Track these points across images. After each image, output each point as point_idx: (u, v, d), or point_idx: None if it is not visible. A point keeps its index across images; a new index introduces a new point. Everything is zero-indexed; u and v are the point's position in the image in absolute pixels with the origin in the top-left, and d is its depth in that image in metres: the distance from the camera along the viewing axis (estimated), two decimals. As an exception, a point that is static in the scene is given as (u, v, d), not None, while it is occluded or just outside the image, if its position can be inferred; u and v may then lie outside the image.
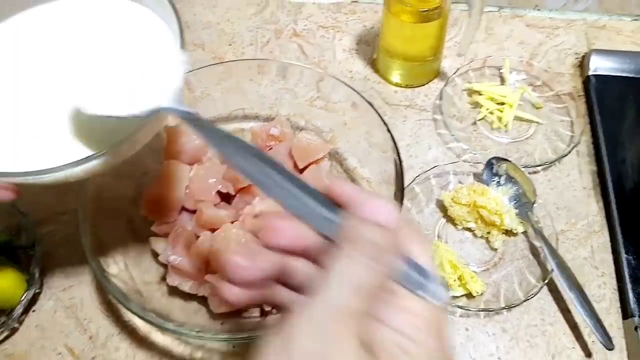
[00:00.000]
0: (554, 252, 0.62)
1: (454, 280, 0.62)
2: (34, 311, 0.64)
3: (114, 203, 0.67)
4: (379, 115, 0.65)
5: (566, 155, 0.72)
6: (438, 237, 0.67)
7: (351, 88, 0.68)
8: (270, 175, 0.32)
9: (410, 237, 0.31)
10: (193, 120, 0.38)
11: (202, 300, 0.62)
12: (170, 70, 0.46)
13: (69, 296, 0.65)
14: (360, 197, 0.31)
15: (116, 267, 0.62)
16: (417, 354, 0.27)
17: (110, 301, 0.64)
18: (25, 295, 0.62)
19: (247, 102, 0.76)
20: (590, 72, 0.80)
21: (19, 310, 0.61)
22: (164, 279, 0.62)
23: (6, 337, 0.62)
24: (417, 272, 0.29)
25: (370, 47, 0.85)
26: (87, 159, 0.44)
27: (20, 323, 0.63)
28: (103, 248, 0.62)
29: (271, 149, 0.68)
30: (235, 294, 0.32)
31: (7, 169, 0.45)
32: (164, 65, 0.47)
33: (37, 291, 0.65)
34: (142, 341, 0.62)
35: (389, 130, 0.64)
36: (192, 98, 0.75)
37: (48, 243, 0.68)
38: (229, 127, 0.76)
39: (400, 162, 0.61)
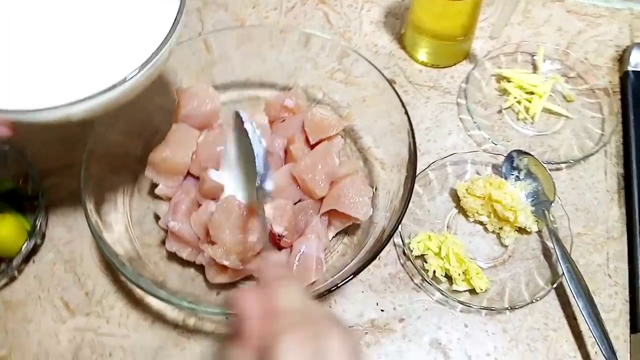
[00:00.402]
0: (566, 255, 0.60)
1: (459, 275, 0.60)
2: (33, 262, 0.64)
3: (122, 161, 0.66)
4: (398, 95, 0.62)
5: (593, 154, 0.69)
6: (447, 227, 0.65)
7: (372, 65, 0.65)
8: None
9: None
10: None
11: (200, 268, 0.61)
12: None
13: (70, 250, 0.65)
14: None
15: (117, 226, 0.62)
16: None
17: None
18: (25, 245, 0.62)
19: (265, 69, 0.74)
20: (630, 67, 0.75)
21: (18, 259, 0.62)
22: (164, 242, 0.61)
23: (5, 285, 0.63)
24: None
25: (399, 21, 0.82)
26: (85, 99, 0.44)
27: (20, 272, 0.64)
28: (106, 205, 0.62)
29: (284, 121, 0.66)
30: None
31: (5, 105, 0.45)
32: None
33: (38, 242, 0.65)
34: (137, 302, 0.62)
35: (406, 112, 0.61)
36: (209, 60, 0.72)
37: (54, 195, 0.67)
38: (244, 94, 0.73)
39: (415, 147, 0.59)
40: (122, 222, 0.63)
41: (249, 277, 0.60)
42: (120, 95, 0.48)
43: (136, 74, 0.46)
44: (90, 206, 0.57)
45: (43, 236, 0.66)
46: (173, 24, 0.49)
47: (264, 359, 0.31)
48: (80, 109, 0.46)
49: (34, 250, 0.64)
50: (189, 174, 0.62)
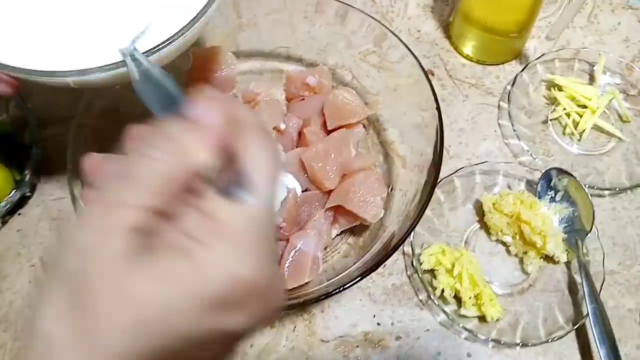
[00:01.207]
0: (594, 294, 0.53)
1: (469, 298, 0.53)
2: (19, 214, 0.61)
3: (128, 118, 0.61)
4: (431, 86, 0.55)
5: (643, 184, 0.61)
6: (465, 243, 0.59)
7: (409, 50, 0.58)
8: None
9: (250, 141, 0.27)
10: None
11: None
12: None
13: (58, 207, 0.61)
14: (194, 98, 0.28)
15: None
16: (202, 259, 0.24)
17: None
18: (11, 194, 0.58)
19: (294, 40, 0.68)
20: (701, 93, 0.66)
21: (3, 208, 0.58)
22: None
23: (-13, 233, 0.59)
24: (238, 177, 0.26)
25: (448, 8, 0.74)
26: (92, 69, 0.40)
27: (4, 223, 0.60)
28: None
29: (303, 99, 0.60)
30: None
31: (14, 62, 0.41)
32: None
33: (27, 194, 0.61)
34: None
35: (437, 107, 0.54)
36: (237, 24, 0.67)
37: (51, 146, 0.63)
38: (266, 65, 0.68)
39: (441, 148, 0.52)
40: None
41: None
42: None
43: (169, 43, 0.41)
44: (71, 169, 0.52)
45: (33, 188, 0.62)
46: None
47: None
48: (104, 77, 0.41)
49: (21, 202, 0.61)
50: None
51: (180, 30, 0.42)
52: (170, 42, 0.41)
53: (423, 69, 0.57)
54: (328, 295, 0.47)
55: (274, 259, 0.28)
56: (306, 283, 0.52)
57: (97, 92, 0.56)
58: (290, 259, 0.51)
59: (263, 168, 0.27)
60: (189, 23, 0.42)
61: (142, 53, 0.32)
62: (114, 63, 0.40)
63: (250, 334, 0.27)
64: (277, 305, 0.28)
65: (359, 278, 0.46)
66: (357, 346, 0.54)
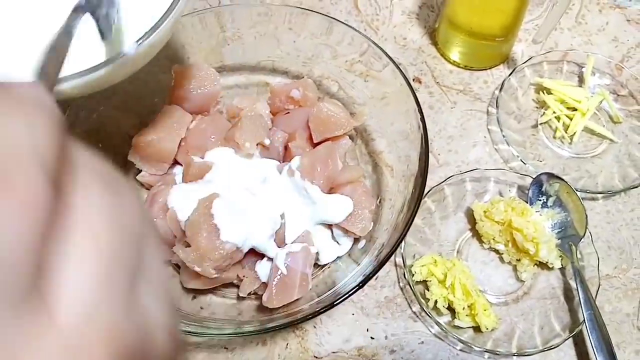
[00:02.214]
0: (590, 300, 0.52)
1: (463, 309, 0.52)
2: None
3: (114, 139, 0.60)
4: (414, 94, 0.55)
5: (636, 186, 0.60)
6: (458, 252, 0.58)
7: (391, 59, 0.58)
8: None
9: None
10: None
11: (179, 268, 0.55)
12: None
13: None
14: None
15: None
16: None
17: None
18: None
19: (279, 53, 0.67)
20: (692, 91, 0.66)
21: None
22: (143, 234, 0.56)
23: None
24: None
25: (433, 14, 0.74)
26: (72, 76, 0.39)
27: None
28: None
29: (288, 113, 0.59)
30: None
31: None
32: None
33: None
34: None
35: (421, 116, 0.53)
36: (221, 38, 0.66)
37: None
38: (252, 79, 0.67)
39: (427, 156, 0.51)
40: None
41: (229, 285, 0.54)
42: (113, 73, 0.42)
43: (132, 50, 0.40)
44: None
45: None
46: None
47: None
48: (67, 87, 0.41)
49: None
50: (175, 162, 0.56)
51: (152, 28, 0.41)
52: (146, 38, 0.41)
53: (405, 77, 0.56)
54: (317, 313, 0.46)
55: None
56: (297, 300, 0.51)
57: (78, 113, 0.55)
58: (279, 276, 0.50)
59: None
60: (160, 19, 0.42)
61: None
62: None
63: None
64: None
65: (349, 294, 0.46)
66: (351, 362, 0.53)
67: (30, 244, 0.15)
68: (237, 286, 0.54)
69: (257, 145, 0.54)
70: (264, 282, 0.52)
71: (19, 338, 0.15)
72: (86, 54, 0.41)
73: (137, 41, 0.42)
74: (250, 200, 0.50)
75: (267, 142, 0.55)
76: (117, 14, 0.41)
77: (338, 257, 0.54)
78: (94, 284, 0.17)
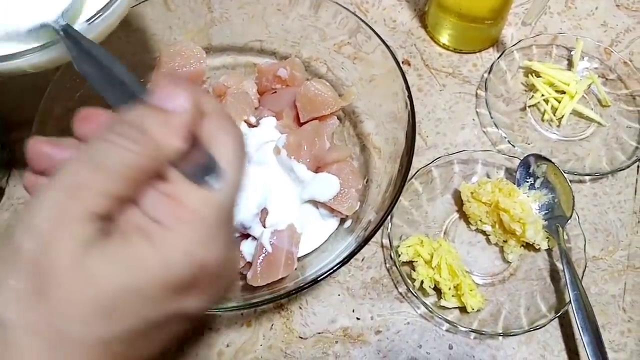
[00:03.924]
0: (576, 281, 0.52)
1: (449, 289, 0.52)
2: (-13, 219, 0.59)
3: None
4: (403, 75, 0.54)
5: (623, 169, 0.60)
6: (445, 233, 0.58)
7: (382, 41, 0.57)
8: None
9: (215, 128, 0.27)
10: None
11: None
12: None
13: (27, 210, 0.59)
14: (160, 84, 0.27)
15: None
16: (164, 241, 0.24)
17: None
18: (-21, 199, 0.56)
19: (268, 34, 0.66)
20: (681, 75, 0.66)
21: (-30, 214, 0.56)
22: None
23: (-46, 240, 0.58)
24: (205, 162, 0.26)
25: (423, -3, 0.73)
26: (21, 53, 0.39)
27: (-28, 228, 0.58)
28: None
29: (275, 92, 0.58)
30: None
31: None
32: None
33: (-5, 198, 0.59)
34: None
35: (409, 96, 0.53)
36: (209, 19, 0.66)
37: (18, 149, 0.62)
38: (239, 60, 0.66)
39: (413, 136, 0.51)
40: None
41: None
42: (59, 54, 0.41)
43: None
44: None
45: (1, 192, 0.60)
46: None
47: None
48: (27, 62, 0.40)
49: (-11, 206, 0.59)
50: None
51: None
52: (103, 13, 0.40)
53: (396, 58, 0.56)
54: (301, 289, 0.45)
55: (232, 242, 0.27)
56: (282, 279, 0.50)
57: (60, 92, 0.54)
58: (264, 254, 0.49)
59: (230, 155, 0.26)
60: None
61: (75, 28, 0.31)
62: (42, 45, 0.39)
63: (203, 312, 0.27)
64: (230, 285, 0.29)
65: (332, 270, 0.45)
66: (337, 342, 0.53)
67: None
68: (222, 266, 0.53)
69: (243, 121, 0.53)
70: (249, 262, 0.52)
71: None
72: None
73: (88, 21, 0.41)
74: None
75: (252, 119, 0.54)
76: None
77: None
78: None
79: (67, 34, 0.36)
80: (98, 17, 0.41)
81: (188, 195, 0.25)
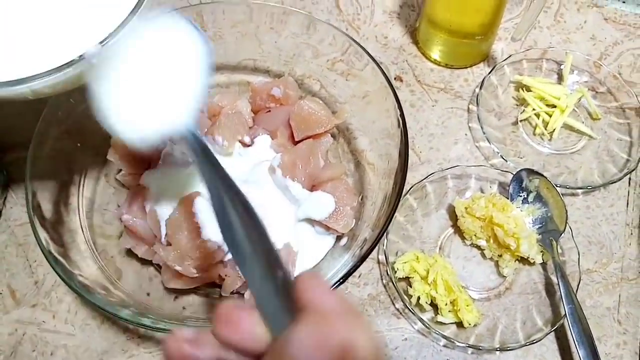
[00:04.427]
0: (571, 295, 0.52)
1: (445, 305, 0.53)
2: (-16, 241, 0.59)
3: (93, 139, 0.60)
4: (394, 92, 0.55)
5: (615, 181, 0.60)
6: (440, 248, 0.58)
7: (371, 58, 0.58)
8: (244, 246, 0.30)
9: (353, 324, 0.26)
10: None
11: (160, 268, 0.55)
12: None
13: (24, 233, 0.59)
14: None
15: (78, 212, 0.56)
16: None
17: (64, 247, 0.58)
18: (-25, 222, 0.56)
19: (261, 52, 0.67)
20: (669, 87, 0.67)
21: (-33, 237, 0.56)
22: (124, 235, 0.56)
23: (-50, 263, 0.58)
24: None
25: (414, 13, 0.74)
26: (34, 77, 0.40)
27: (-32, 250, 0.58)
28: (70, 186, 0.56)
29: (269, 111, 0.59)
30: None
31: None
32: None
33: (-9, 220, 0.59)
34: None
35: (401, 114, 0.53)
36: (202, 38, 0.66)
37: (14, 171, 0.62)
38: (233, 78, 0.67)
39: (406, 153, 0.52)
40: (85, 206, 0.57)
41: (211, 284, 0.54)
42: (81, 73, 0.42)
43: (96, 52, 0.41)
44: (32, 189, 0.50)
45: (-1, 214, 0.60)
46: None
47: None
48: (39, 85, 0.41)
49: (-14, 229, 0.59)
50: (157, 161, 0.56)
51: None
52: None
53: (386, 76, 0.57)
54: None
55: None
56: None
57: (56, 114, 0.54)
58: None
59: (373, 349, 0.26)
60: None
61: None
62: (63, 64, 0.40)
63: None
64: None
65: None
66: None
67: None
68: (220, 285, 0.53)
69: (237, 142, 0.53)
70: (246, 281, 0.52)
71: None
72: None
73: (101, 42, 0.42)
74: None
75: (246, 139, 0.54)
76: None
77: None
78: None
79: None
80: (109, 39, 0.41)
81: None
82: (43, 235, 0.48)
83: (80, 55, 0.41)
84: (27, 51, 0.44)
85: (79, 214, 0.55)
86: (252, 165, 0.54)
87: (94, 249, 0.54)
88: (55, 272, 0.47)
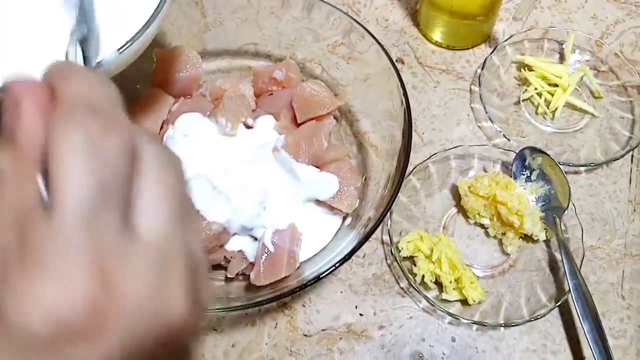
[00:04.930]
0: (575, 270, 0.53)
1: (450, 282, 0.53)
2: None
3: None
4: (398, 73, 0.55)
5: (618, 158, 0.61)
6: (444, 228, 0.58)
7: (375, 40, 0.58)
8: None
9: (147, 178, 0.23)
10: None
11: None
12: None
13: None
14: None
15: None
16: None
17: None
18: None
19: (262, 37, 0.67)
20: (671, 65, 0.67)
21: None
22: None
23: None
24: None
25: (415, -5, 0.74)
26: None
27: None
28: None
29: (272, 94, 0.59)
30: None
31: None
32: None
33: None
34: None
35: (404, 94, 0.54)
36: (202, 24, 0.66)
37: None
38: (234, 63, 0.67)
39: (410, 133, 0.52)
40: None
41: (217, 267, 0.54)
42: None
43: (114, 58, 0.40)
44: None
45: None
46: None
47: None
48: None
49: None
50: (159, 145, 0.56)
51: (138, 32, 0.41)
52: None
53: (389, 57, 0.57)
54: (304, 286, 0.46)
55: None
56: (284, 278, 0.51)
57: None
58: (266, 254, 0.50)
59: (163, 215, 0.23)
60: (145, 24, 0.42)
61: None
62: None
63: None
64: None
65: (335, 267, 0.46)
66: (341, 338, 0.53)
67: (125, 173, 0.21)
68: (225, 268, 0.54)
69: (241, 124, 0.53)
70: (251, 262, 0.52)
71: (117, 252, 0.20)
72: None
73: (119, 50, 0.41)
74: (231, 180, 0.50)
75: (250, 121, 0.55)
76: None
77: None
78: (168, 215, 0.22)
79: None
80: (127, 46, 0.41)
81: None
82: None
83: (98, 62, 0.40)
84: (39, 55, 0.44)
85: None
86: (256, 147, 0.54)
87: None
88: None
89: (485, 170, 0.61)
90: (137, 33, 0.41)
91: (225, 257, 0.53)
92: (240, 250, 0.52)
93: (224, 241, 0.52)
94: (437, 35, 0.70)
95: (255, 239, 0.52)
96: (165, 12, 0.45)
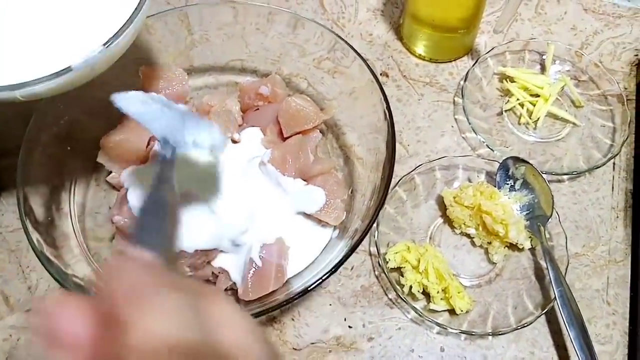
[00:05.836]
0: (560, 278, 0.53)
1: (437, 292, 0.53)
2: (-23, 248, 0.59)
3: (83, 144, 0.60)
4: (380, 86, 0.56)
5: (600, 166, 0.62)
6: (430, 238, 0.59)
7: (357, 54, 0.59)
8: None
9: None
10: None
11: (154, 267, 0.55)
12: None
13: (17, 239, 0.60)
14: None
15: (69, 216, 0.56)
16: None
17: (57, 251, 0.58)
18: (-33, 229, 0.57)
19: (248, 53, 0.68)
20: (649, 74, 0.68)
21: (-40, 244, 0.56)
22: (117, 237, 0.56)
23: (-56, 271, 0.58)
24: None
25: (398, 10, 0.75)
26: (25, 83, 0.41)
27: (-39, 258, 0.59)
28: (61, 190, 0.57)
29: (258, 109, 0.60)
30: None
31: None
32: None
33: (-16, 227, 0.60)
34: (83, 300, 0.56)
35: (387, 107, 0.54)
36: (189, 41, 0.67)
37: (6, 178, 0.62)
38: (221, 79, 0.68)
39: (393, 145, 0.52)
40: (77, 209, 0.57)
41: (205, 282, 0.54)
42: (74, 79, 0.44)
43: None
44: (23, 193, 0.51)
45: (-10, 221, 0.60)
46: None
47: None
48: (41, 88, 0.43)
49: (-22, 236, 0.59)
50: (144, 162, 0.57)
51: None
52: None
53: (373, 71, 0.57)
54: (292, 300, 0.46)
55: None
56: (272, 292, 0.51)
57: (45, 119, 0.55)
58: (254, 269, 0.50)
59: None
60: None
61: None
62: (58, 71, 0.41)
63: None
64: None
65: (322, 280, 0.46)
66: (330, 351, 0.53)
67: None
68: (213, 283, 0.54)
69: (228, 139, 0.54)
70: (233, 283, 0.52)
71: None
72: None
73: (105, 44, 0.42)
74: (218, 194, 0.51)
75: (237, 137, 0.55)
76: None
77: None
78: None
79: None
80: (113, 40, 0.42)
81: None
82: (35, 236, 0.48)
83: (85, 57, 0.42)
84: (28, 54, 0.45)
85: (70, 218, 0.55)
86: (243, 161, 0.54)
87: (87, 252, 0.55)
88: (49, 273, 0.47)
89: (470, 181, 0.62)
90: (121, 27, 0.43)
91: (213, 272, 0.53)
92: (225, 271, 0.52)
93: (211, 257, 0.52)
94: (420, 48, 0.71)
95: (241, 257, 0.52)
96: (149, 6, 0.46)
